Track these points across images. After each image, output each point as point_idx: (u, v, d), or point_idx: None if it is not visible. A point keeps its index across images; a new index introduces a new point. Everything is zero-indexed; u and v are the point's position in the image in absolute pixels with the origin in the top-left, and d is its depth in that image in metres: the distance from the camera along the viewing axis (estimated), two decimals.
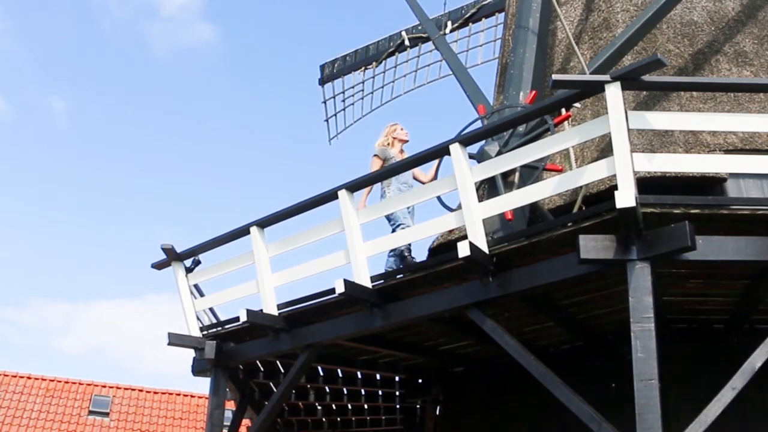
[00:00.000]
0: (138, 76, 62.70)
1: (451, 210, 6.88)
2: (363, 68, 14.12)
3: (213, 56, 71.99)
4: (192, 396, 25.40)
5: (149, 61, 66.30)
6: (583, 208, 6.58)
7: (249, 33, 70.43)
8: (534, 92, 7.76)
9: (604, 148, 7.74)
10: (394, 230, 7.41)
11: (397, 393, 9.38)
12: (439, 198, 7.09)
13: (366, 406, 9.36)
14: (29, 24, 58.68)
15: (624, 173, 4.99)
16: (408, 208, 7.41)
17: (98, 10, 64.87)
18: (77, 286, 64.33)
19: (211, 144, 67.68)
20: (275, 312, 7.00)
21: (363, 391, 9.14)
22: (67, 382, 24.06)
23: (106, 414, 23.57)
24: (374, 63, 13.95)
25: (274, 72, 71.51)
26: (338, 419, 9.29)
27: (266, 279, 7.00)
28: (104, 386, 24.51)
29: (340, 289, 6.09)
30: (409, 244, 7.47)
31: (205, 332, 7.84)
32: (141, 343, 56.80)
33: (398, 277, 6.86)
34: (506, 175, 6.88)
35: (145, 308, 63.22)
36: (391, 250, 7.52)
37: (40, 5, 57.50)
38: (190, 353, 7.89)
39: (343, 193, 6.47)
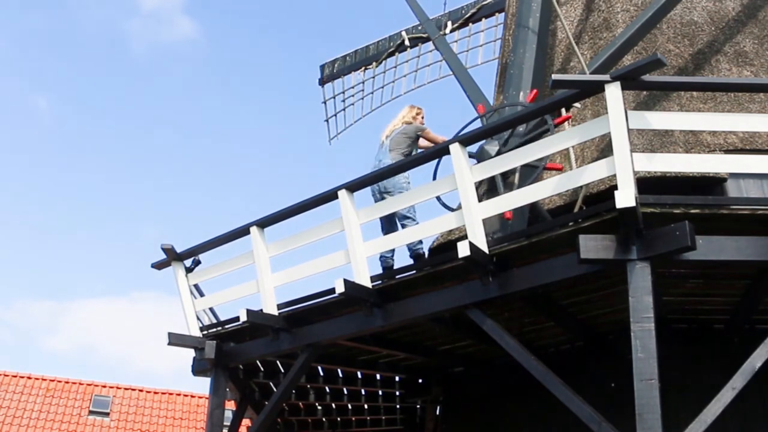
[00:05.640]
0: (121, 73, 62.70)
1: (451, 210, 6.88)
2: (363, 68, 14.10)
3: (198, 53, 72.13)
4: (192, 396, 25.42)
5: (131, 59, 66.25)
6: (583, 208, 6.58)
7: (238, 30, 70.47)
8: (534, 91, 7.75)
9: (604, 148, 7.74)
10: (404, 226, 7.32)
11: (397, 393, 9.38)
12: (438, 198, 7.10)
13: (366, 406, 9.36)
14: (9, 21, 58.54)
15: (624, 173, 4.99)
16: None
17: (77, 7, 64.92)
18: (62, 284, 64.55)
19: (201, 142, 67.80)
20: (275, 312, 7.00)
21: (363, 391, 9.14)
22: (67, 382, 24.07)
23: (107, 414, 23.58)
24: (374, 63, 13.94)
25: (266, 70, 71.65)
26: (338, 419, 9.29)
27: (266, 279, 7.00)
28: (104, 386, 24.53)
29: (340, 289, 6.09)
30: (420, 240, 7.40)
31: (205, 332, 7.84)
32: (130, 340, 57.02)
33: (398, 276, 6.86)
34: (506, 176, 6.88)
35: (131, 306, 63.58)
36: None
37: (18, 1, 57.33)
38: (182, 352, 7.89)
39: (343, 193, 6.47)
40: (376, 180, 6.93)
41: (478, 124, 7.99)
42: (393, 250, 7.38)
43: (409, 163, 7.00)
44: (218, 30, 70.47)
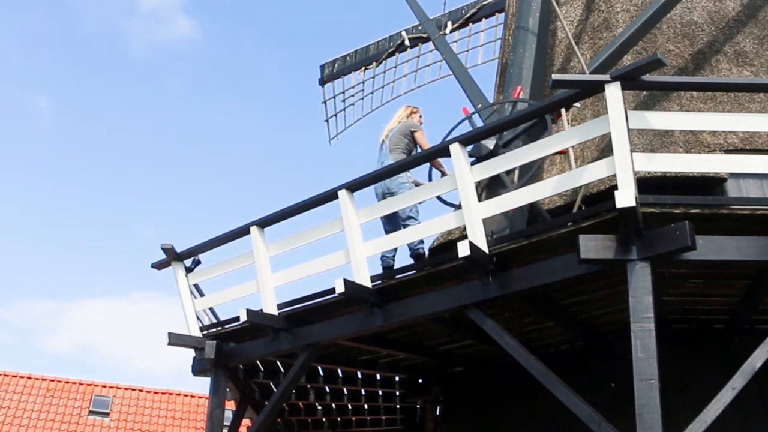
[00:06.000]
0: (120, 73, 62.70)
1: (452, 207, 6.88)
2: (363, 68, 14.10)
3: (197, 52, 72.10)
4: (192, 396, 25.42)
5: (130, 58, 66.25)
6: (583, 208, 6.58)
7: (238, 30, 70.48)
8: (519, 87, 7.76)
9: (604, 148, 7.74)
10: (406, 226, 7.28)
11: (397, 393, 9.38)
12: (439, 197, 7.10)
13: (366, 406, 9.36)
14: (9, 21, 58.49)
15: (624, 173, 4.99)
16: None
17: (77, 7, 64.87)
18: (62, 284, 64.56)
19: (201, 142, 67.82)
20: (275, 312, 7.00)
21: (363, 391, 9.14)
22: (67, 382, 24.08)
23: (106, 414, 23.58)
24: (374, 63, 13.93)
25: (266, 70, 71.61)
26: (338, 419, 9.29)
27: (266, 279, 7.00)
28: (104, 386, 24.53)
29: (340, 288, 6.09)
30: (421, 240, 7.39)
31: (205, 332, 7.84)
32: (130, 340, 57.15)
33: (398, 276, 6.86)
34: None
35: (131, 306, 63.76)
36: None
37: (18, 1, 57.29)
38: (182, 352, 7.88)
39: (343, 193, 6.47)
40: (375, 180, 6.93)
41: (466, 126, 7.98)
42: (395, 250, 7.38)
43: (408, 162, 7.00)
44: (218, 30, 70.62)
